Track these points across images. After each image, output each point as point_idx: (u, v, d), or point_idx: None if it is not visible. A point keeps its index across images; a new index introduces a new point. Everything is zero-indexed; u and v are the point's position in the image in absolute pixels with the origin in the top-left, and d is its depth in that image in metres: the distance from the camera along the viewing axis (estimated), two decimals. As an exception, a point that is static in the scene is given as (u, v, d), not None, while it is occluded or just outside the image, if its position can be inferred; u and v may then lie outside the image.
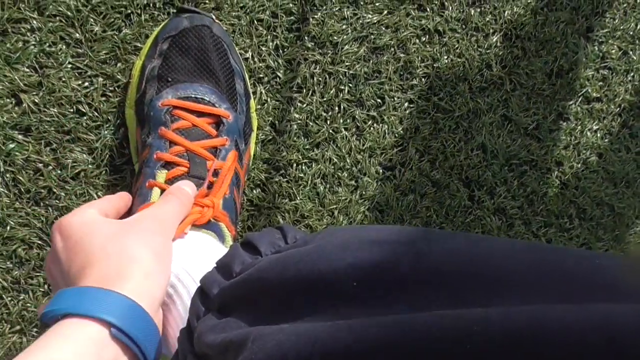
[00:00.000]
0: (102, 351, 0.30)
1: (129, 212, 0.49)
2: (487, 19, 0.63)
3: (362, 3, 0.59)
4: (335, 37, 0.57)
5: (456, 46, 0.62)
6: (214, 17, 0.50)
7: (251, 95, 0.53)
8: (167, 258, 0.38)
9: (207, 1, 0.53)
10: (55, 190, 0.50)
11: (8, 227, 0.49)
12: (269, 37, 0.56)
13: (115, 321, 0.31)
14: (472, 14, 0.62)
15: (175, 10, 0.52)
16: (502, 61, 0.64)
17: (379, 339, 0.23)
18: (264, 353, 0.26)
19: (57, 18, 0.49)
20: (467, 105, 0.62)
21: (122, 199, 0.43)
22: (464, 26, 0.62)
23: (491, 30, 0.63)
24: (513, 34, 0.64)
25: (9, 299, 0.49)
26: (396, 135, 0.60)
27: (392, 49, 0.60)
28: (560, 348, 0.19)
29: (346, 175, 0.58)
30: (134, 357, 0.32)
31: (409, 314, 0.23)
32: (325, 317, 0.28)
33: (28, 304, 0.49)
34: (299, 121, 0.57)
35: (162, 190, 0.45)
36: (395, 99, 0.60)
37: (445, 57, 0.61)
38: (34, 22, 0.49)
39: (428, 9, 0.61)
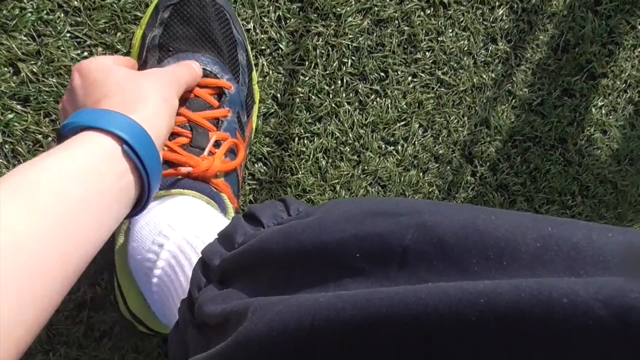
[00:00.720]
0: (114, 163, 0.33)
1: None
2: (493, -8, 0.62)
3: (366, -26, 0.57)
4: (339, 9, 0.56)
5: (461, 19, 0.61)
6: (215, -15, 0.49)
7: (253, 67, 0.53)
8: (173, 109, 0.40)
9: (208, -30, 0.52)
10: (55, 161, 0.49)
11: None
12: (271, 7, 0.55)
13: (128, 139, 0.33)
14: (478, -14, 0.61)
15: (175, -21, 0.51)
16: (507, 35, 0.63)
17: (382, 310, 0.22)
18: (264, 323, 0.25)
19: (55, -15, 0.48)
20: (471, 80, 0.62)
21: (130, 61, 0.45)
22: (469, -1, 0.61)
23: (497, 3, 0.62)
24: (519, 6, 0.63)
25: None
26: (399, 109, 0.59)
27: (396, 22, 0.59)
28: (568, 321, 0.19)
29: (348, 149, 0.58)
30: (139, 178, 0.35)
31: (413, 286, 0.23)
32: (327, 289, 0.27)
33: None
34: (301, 94, 0.56)
35: (166, 162, 0.45)
36: (399, 72, 0.59)
37: (450, 30, 0.60)
38: (31, -12, 0.48)
39: (433, -19, 0.60)
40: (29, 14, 0.48)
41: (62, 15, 0.49)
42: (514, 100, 0.64)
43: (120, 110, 0.35)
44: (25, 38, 0.48)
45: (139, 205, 0.36)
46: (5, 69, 0.48)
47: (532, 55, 0.64)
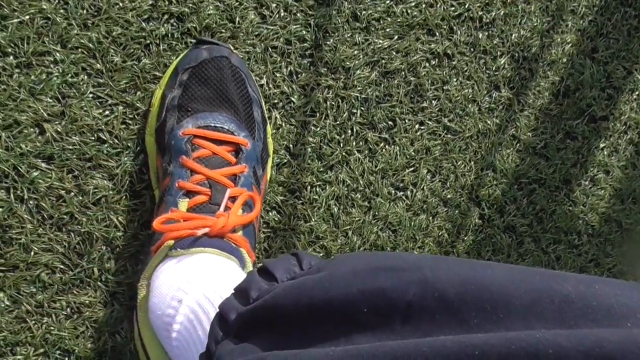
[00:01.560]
0: None
1: (151, 237, 0.50)
2: (495, 42, 0.64)
3: (373, 29, 0.60)
4: (348, 63, 0.59)
5: (465, 69, 0.63)
6: (231, 47, 0.52)
7: (267, 121, 0.55)
8: None
9: (223, 30, 0.55)
10: (77, 215, 0.51)
11: (32, 253, 0.50)
12: (283, 63, 0.57)
13: None
14: (480, 37, 0.64)
15: (193, 41, 0.54)
16: (510, 82, 0.65)
17: None
18: None
19: (80, 50, 0.51)
20: (477, 126, 0.64)
21: None
22: (472, 49, 0.64)
23: (499, 53, 0.65)
24: (520, 55, 0.65)
25: (33, 322, 0.50)
26: (408, 156, 0.61)
27: (403, 73, 0.61)
28: None
29: (359, 196, 0.60)
30: None
31: (416, 339, 0.25)
32: (338, 343, 0.29)
33: (51, 327, 0.50)
34: (313, 144, 0.58)
35: (184, 219, 0.46)
36: (407, 121, 0.61)
37: (455, 79, 0.63)
38: (57, 54, 0.50)
39: (437, 34, 0.62)
40: (55, 78, 0.50)
41: (86, 77, 0.51)
42: (518, 144, 0.66)
43: None
44: (50, 100, 0.50)
45: None
46: (32, 129, 0.50)
47: (534, 101, 0.66)
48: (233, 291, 0.39)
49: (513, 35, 0.65)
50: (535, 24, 0.66)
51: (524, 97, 0.66)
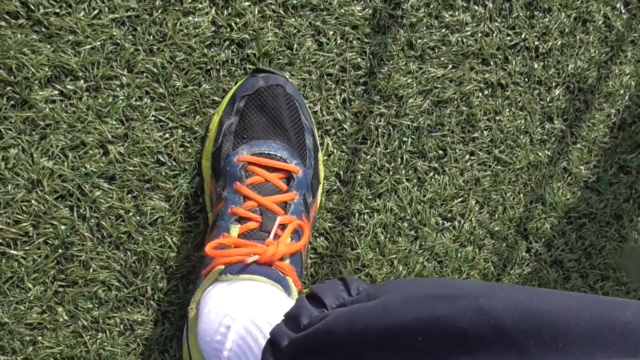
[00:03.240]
0: None
1: (202, 259, 0.51)
2: (550, 73, 0.63)
3: (427, 57, 0.60)
4: (401, 91, 0.59)
5: (518, 99, 0.62)
6: (287, 75, 0.53)
7: (319, 148, 0.56)
8: None
9: (280, 57, 0.56)
10: (134, 235, 0.53)
11: (91, 270, 0.52)
12: (337, 90, 0.58)
13: None
14: (536, 67, 0.63)
15: (252, 67, 0.55)
16: (563, 114, 0.64)
17: None
18: None
19: (144, 74, 0.53)
20: (528, 158, 0.63)
21: None
22: (526, 79, 0.63)
23: (554, 84, 0.64)
24: (576, 87, 0.64)
25: (88, 337, 0.52)
26: (457, 186, 0.61)
27: (456, 102, 0.61)
28: None
29: (406, 225, 0.60)
30: None
31: None
32: None
33: (105, 343, 0.52)
34: (362, 172, 0.58)
35: (235, 246, 0.47)
36: (457, 151, 0.61)
37: (508, 110, 0.62)
38: (124, 78, 0.52)
39: (492, 63, 0.62)
40: (121, 101, 0.52)
41: (149, 101, 0.53)
42: (569, 178, 0.64)
43: None
44: (115, 122, 0.52)
45: None
46: (96, 150, 0.52)
47: (588, 134, 0.65)
48: (283, 317, 0.39)
49: (569, 66, 0.64)
50: (592, 55, 0.64)
51: (578, 130, 0.64)
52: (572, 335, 0.25)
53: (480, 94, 0.61)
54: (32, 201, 0.50)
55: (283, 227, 0.49)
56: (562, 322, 0.26)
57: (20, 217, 0.50)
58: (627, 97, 0.66)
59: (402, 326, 0.30)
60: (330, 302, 0.38)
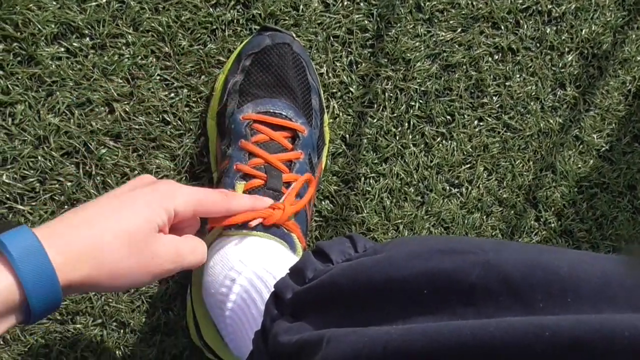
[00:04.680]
0: (7, 313, 0.31)
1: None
2: (563, 37, 0.62)
3: (436, 21, 0.59)
4: (408, 54, 0.58)
5: (529, 65, 0.61)
6: (293, 34, 0.52)
7: (325, 110, 0.55)
8: (128, 259, 0.36)
9: (286, 18, 0.55)
10: (139, 193, 0.53)
11: (96, 226, 0.52)
12: (343, 53, 0.57)
13: (28, 289, 0.31)
14: (548, 32, 0.61)
15: (257, 27, 0.55)
16: (576, 80, 0.63)
17: (451, 342, 0.23)
18: (338, 353, 0.27)
19: (150, 33, 0.53)
20: (538, 125, 0.62)
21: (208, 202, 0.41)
22: (538, 44, 0.62)
23: (567, 49, 0.62)
24: (590, 52, 0.63)
25: (93, 293, 0.52)
26: (465, 152, 0.60)
27: (464, 67, 0.60)
28: (629, 352, 0.20)
29: (413, 190, 0.59)
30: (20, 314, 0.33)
31: (482, 320, 0.24)
32: (396, 323, 0.29)
33: (110, 299, 0.53)
34: (369, 136, 0.58)
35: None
36: (465, 116, 0.60)
37: (518, 75, 0.61)
38: (129, 36, 0.52)
39: (502, 27, 0.61)
40: (126, 60, 0.52)
41: (154, 60, 0.53)
42: (581, 146, 0.63)
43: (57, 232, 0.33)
44: (121, 81, 0.52)
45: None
46: (102, 108, 0.52)
47: (601, 101, 0.63)
48: (288, 271, 0.39)
49: (583, 30, 0.62)
50: (608, 19, 0.63)
51: (591, 97, 0.63)
52: (581, 290, 0.25)
53: (490, 59, 0.60)
54: (39, 157, 0.51)
55: (288, 185, 0.49)
56: (571, 278, 0.25)
57: (27, 172, 0.51)
58: (642, 64, 0.64)
59: (407, 279, 0.29)
60: (336, 257, 0.38)
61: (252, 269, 0.44)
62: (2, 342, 0.51)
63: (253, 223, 0.46)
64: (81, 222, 0.35)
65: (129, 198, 0.37)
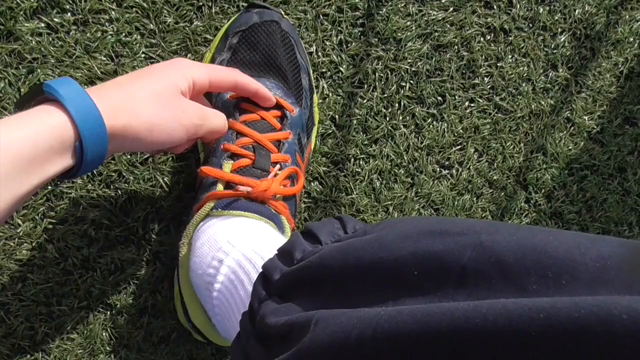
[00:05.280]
0: (62, 153, 0.35)
1: (195, 199, 0.50)
2: (556, 18, 0.61)
3: (427, 0, 0.58)
4: (399, 34, 0.57)
5: (522, 45, 0.60)
6: (282, 12, 0.51)
7: (314, 90, 0.54)
8: (171, 129, 0.40)
9: (275, -5, 0.54)
10: (125, 174, 0.52)
11: (80, 207, 0.51)
12: (333, 31, 0.56)
13: (84, 135, 0.35)
14: (541, 12, 0.61)
15: (245, 4, 0.53)
16: (568, 62, 0.62)
17: (442, 324, 0.23)
18: (326, 334, 0.26)
19: (134, 9, 0.51)
20: (529, 106, 0.61)
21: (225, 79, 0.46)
22: (531, 25, 0.61)
23: (559, 30, 0.61)
24: (582, 33, 0.62)
25: (78, 275, 0.52)
26: (455, 134, 0.59)
27: (456, 47, 0.59)
28: (628, 335, 0.19)
29: (403, 172, 0.58)
30: (78, 165, 0.36)
31: (475, 301, 0.24)
32: (386, 305, 0.28)
33: (95, 281, 0.52)
34: (358, 116, 0.57)
35: (227, 183, 0.46)
36: (456, 97, 0.59)
37: (510, 56, 0.60)
38: (113, 12, 0.51)
39: (495, 7, 0.60)
40: (110, 37, 0.51)
41: (139, 37, 0.52)
42: (572, 128, 0.63)
43: (104, 90, 0.37)
44: (104, 58, 0.51)
45: (65, 175, 0.37)
46: (85, 86, 0.51)
47: (593, 82, 0.63)
48: (276, 252, 0.38)
49: (577, 10, 0.61)
50: None
51: (583, 78, 0.63)
52: (577, 273, 0.24)
53: (482, 39, 0.59)
54: (21, 137, 0.50)
55: (275, 164, 0.48)
56: (567, 260, 0.24)
57: (8, 152, 0.49)
58: (636, 45, 0.63)
59: (397, 260, 0.29)
60: (326, 238, 0.37)
61: (240, 250, 0.44)
62: (-15, 325, 0.50)
63: (242, 188, 0.45)
64: (115, 85, 0.39)
65: (155, 68, 0.42)
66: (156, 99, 0.39)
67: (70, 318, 0.52)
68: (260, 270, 0.38)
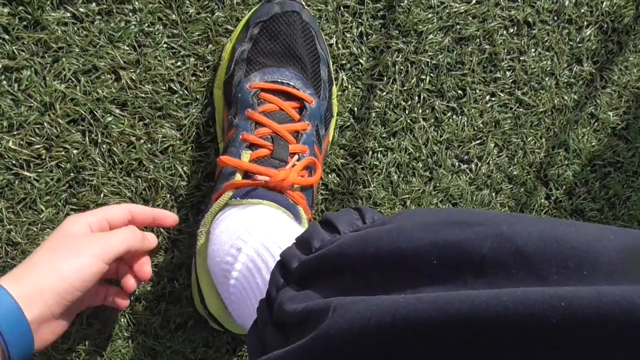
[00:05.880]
0: None
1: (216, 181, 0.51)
2: (582, 11, 0.60)
3: (450, -9, 0.57)
4: (420, 26, 0.57)
5: (545, 39, 0.59)
6: (303, 3, 0.51)
7: (334, 81, 0.54)
8: (75, 282, 0.42)
9: (296, -14, 0.54)
10: (145, 162, 0.53)
11: (102, 195, 0.52)
12: (354, 23, 0.56)
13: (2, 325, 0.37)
14: (566, 4, 0.59)
15: (265, -5, 0.53)
16: (594, 56, 0.61)
17: (462, 311, 0.23)
18: (345, 321, 0.26)
19: (157, 0, 0.52)
20: (552, 101, 0.60)
21: (118, 215, 0.47)
22: (555, 18, 0.60)
23: (585, 23, 0.60)
24: (609, 26, 0.61)
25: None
26: (475, 128, 0.59)
27: (478, 40, 0.58)
28: None
29: (421, 165, 0.58)
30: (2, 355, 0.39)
31: (494, 290, 0.24)
32: (405, 293, 0.28)
33: (116, 267, 0.53)
34: (377, 109, 0.57)
35: (245, 173, 0.47)
36: (477, 91, 0.59)
37: (533, 50, 0.59)
38: (136, 3, 0.51)
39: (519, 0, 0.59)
40: (133, 26, 0.51)
41: (161, 27, 0.52)
42: (596, 124, 0.61)
43: (16, 277, 0.40)
44: (127, 48, 0.52)
45: None
46: (109, 75, 0.52)
47: (619, 77, 0.61)
48: (295, 241, 0.39)
49: (604, 3, 0.60)
50: (628, -6, 0.61)
51: (608, 73, 0.61)
52: (599, 263, 0.24)
53: (504, 32, 0.59)
54: (45, 124, 0.51)
55: (293, 155, 0.48)
56: (589, 251, 0.24)
57: (33, 139, 0.51)
58: (663, 41, 0.62)
59: (416, 250, 0.29)
60: (344, 228, 0.37)
61: (258, 239, 0.44)
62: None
63: (260, 177, 0.45)
64: (23, 270, 0.41)
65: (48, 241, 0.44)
66: (51, 254, 0.42)
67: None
68: (279, 258, 0.38)
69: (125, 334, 0.54)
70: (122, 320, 0.54)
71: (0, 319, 0.37)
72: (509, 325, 0.22)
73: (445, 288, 0.27)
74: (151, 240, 0.49)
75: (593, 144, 0.61)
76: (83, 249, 0.43)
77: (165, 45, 0.52)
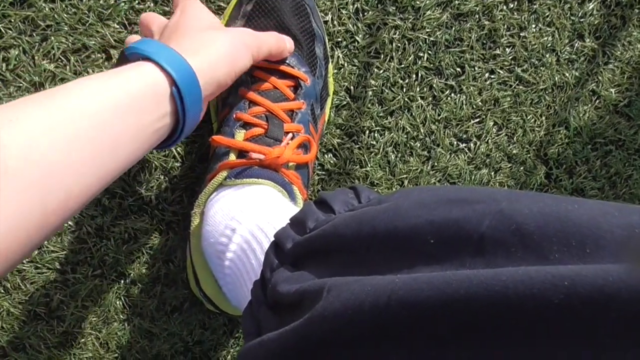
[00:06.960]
0: (159, 103, 0.34)
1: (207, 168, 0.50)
2: (584, -15, 0.58)
3: (448, -35, 0.56)
4: (418, 2, 0.55)
5: (547, 14, 0.58)
6: (297, -23, 0.50)
7: (330, 59, 0.53)
8: (239, 62, 0.41)
9: (289, -39, 0.53)
10: (138, 144, 0.52)
11: (95, 177, 0.51)
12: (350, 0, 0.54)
13: (179, 81, 0.35)
14: (567, -21, 0.58)
15: (258, -30, 0.52)
16: (596, 31, 0.59)
17: (460, 292, 0.22)
18: (339, 302, 0.26)
19: (146, -25, 0.50)
20: (553, 78, 0.59)
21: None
22: (556, -8, 0.58)
23: (587, -2, 0.59)
24: (613, 0, 0.59)
25: (92, 244, 0.52)
26: (474, 106, 0.58)
27: (477, 16, 0.57)
28: None
29: (419, 145, 0.57)
30: (176, 122, 0.36)
31: (493, 269, 0.23)
32: (401, 274, 0.27)
33: (109, 250, 0.52)
34: (374, 87, 0.56)
35: (239, 152, 0.46)
36: (476, 68, 0.57)
37: (534, 25, 0.58)
38: (125, -21, 0.50)
39: (519, -27, 0.57)
40: (123, 4, 0.50)
41: (152, 4, 0.51)
42: (597, 101, 0.60)
43: (184, 52, 0.36)
44: (117, 26, 0.50)
45: (165, 143, 0.38)
46: (99, 54, 0.51)
47: (622, 53, 0.60)
48: (289, 221, 0.38)
49: (605, -22, 0.58)
50: (632, -33, 0.59)
51: (611, 49, 0.60)
52: (602, 241, 0.23)
53: (504, 7, 0.57)
54: (35, 105, 0.50)
55: (288, 134, 0.47)
56: (592, 228, 0.23)
57: (23, 120, 0.50)
58: (667, 15, 0.60)
59: (413, 229, 0.28)
60: (339, 207, 0.36)
61: (253, 220, 0.43)
62: (2, 291, 0.51)
63: (254, 155, 0.45)
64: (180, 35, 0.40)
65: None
66: (214, 28, 0.40)
67: (85, 286, 0.52)
68: (273, 239, 0.37)
69: (121, 317, 0.54)
70: (118, 302, 0.53)
71: (180, 79, 0.34)
72: (509, 305, 0.21)
73: (443, 268, 0.26)
74: (289, 47, 0.48)
75: (594, 121, 0.60)
76: (246, 44, 0.42)
77: (156, 23, 0.51)
